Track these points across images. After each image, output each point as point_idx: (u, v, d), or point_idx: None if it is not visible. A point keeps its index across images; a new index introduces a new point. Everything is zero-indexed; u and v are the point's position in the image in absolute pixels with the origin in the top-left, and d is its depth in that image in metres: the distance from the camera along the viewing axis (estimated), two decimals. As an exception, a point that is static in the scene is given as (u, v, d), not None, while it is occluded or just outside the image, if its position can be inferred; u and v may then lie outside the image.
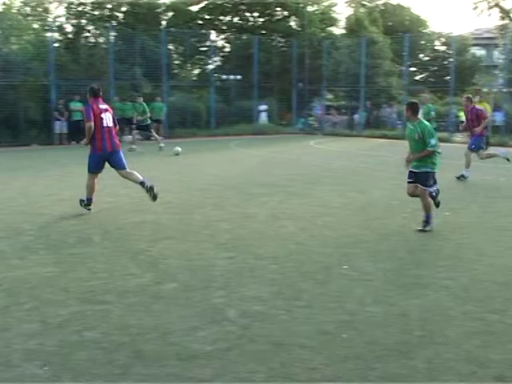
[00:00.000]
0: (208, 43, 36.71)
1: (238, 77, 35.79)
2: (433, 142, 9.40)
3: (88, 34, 35.19)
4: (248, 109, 34.29)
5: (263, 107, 35.18)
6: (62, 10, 36.54)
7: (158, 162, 19.69)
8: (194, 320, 5.57)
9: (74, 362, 4.73)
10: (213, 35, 37.49)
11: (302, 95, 36.65)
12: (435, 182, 9.69)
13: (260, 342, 5.11)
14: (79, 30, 34.54)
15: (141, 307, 5.93)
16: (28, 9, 37.64)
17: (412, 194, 9.75)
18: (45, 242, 8.68)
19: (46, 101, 28.06)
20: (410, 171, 9.68)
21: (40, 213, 10.90)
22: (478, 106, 15.83)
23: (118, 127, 11.43)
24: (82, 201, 10.95)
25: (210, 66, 36.77)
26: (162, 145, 23.63)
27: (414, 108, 9.65)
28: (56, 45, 30.70)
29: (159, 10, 38.27)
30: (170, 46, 35.00)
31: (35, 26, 35.01)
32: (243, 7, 39.69)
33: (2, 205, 11.70)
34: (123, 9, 37.13)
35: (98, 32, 34.24)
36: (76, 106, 27.43)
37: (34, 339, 5.17)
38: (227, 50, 38.62)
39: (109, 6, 36.85)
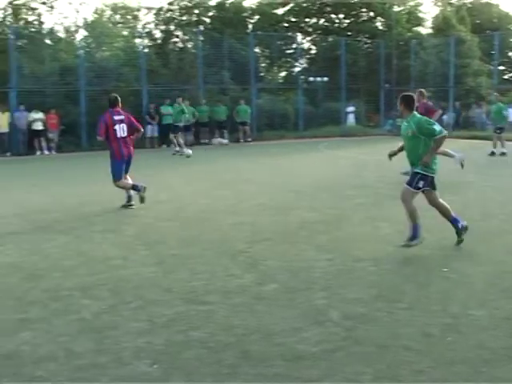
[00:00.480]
0: (294, 46, 36.78)
1: (325, 79, 35.68)
2: (437, 128, 8.15)
3: (176, 40, 35.76)
4: (335, 110, 34.15)
5: (351, 109, 34.96)
6: (150, 17, 37.30)
7: (250, 165, 19.85)
8: (297, 321, 5.58)
9: (182, 361, 4.81)
10: (299, 37, 37.54)
11: (389, 96, 36.24)
12: (428, 187, 8.26)
13: (365, 343, 5.09)
14: (168, 35, 35.13)
15: (244, 308, 5.99)
16: (118, 16, 38.62)
17: (432, 203, 8.49)
18: (145, 242, 8.88)
19: (138, 105, 28.68)
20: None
21: (140, 214, 11.18)
22: (429, 102, 15.48)
23: (138, 133, 12.13)
24: (127, 205, 11.78)
25: (297, 69, 36.81)
26: (190, 151, 22.86)
27: (407, 101, 8.31)
28: (146, 50, 31.33)
29: (245, 14, 38.58)
30: (257, 49, 35.21)
31: (125, 32, 35.85)
32: (328, 9, 39.60)
33: (100, 207, 12.03)
34: (210, 13, 37.60)
35: (186, 37, 34.77)
36: (167, 109, 27.96)
37: (143, 337, 5.28)
38: (313, 52, 38.56)
39: (196, 11, 37.39)
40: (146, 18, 37.77)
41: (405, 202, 8.07)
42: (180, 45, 35.52)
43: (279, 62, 37.75)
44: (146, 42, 33.26)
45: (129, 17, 38.91)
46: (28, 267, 7.67)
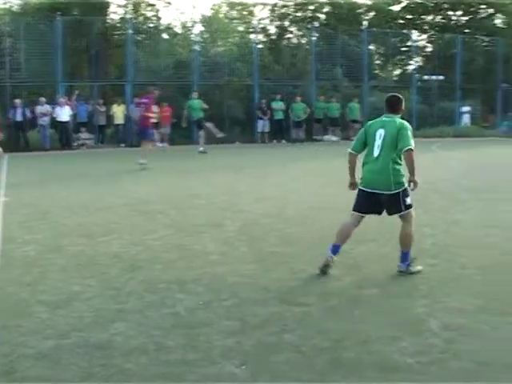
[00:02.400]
0: (409, 43, 36.10)
1: (440, 77, 34.83)
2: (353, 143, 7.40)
3: (290, 35, 35.80)
4: (450, 110, 33.30)
5: (466, 109, 33.99)
6: (266, 13, 37.49)
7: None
8: (394, 329, 5.35)
9: (271, 364, 4.68)
10: (414, 35, 36.80)
11: (506, 96, 35.01)
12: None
13: (464, 358, 4.79)
14: (282, 31, 35.22)
15: (341, 311, 5.82)
16: (234, 12, 39.04)
17: None
18: (246, 239, 8.84)
19: (249, 100, 28.90)
20: None
21: (245, 210, 11.18)
22: None
23: None
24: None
25: (411, 67, 36.15)
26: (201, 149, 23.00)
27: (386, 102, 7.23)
28: (259, 46, 31.49)
29: (360, 11, 38.18)
30: (371, 46, 34.78)
31: (240, 28, 36.20)
32: (446, 6, 38.60)
33: (206, 201, 12.12)
34: (325, 10, 37.44)
35: (300, 33, 34.75)
36: (278, 105, 28.04)
37: (234, 337, 5.19)
38: (429, 49, 37.73)
39: (311, 7, 37.31)
40: (261, 14, 38.02)
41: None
42: (294, 41, 35.55)
43: (393, 59, 37.15)
44: (261, 37, 33.45)
45: (244, 13, 39.28)
46: (129, 258, 7.76)
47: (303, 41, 34.38)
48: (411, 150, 6.84)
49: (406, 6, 39.29)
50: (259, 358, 4.80)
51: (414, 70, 35.78)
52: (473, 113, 34.23)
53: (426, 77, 35.41)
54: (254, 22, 36.35)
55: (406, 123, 7.01)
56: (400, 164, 6.96)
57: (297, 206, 11.52)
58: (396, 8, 39.66)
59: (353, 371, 4.57)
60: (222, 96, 28.99)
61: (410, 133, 6.91)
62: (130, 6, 32.96)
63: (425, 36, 38.55)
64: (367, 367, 4.63)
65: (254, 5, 38.51)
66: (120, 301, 6.15)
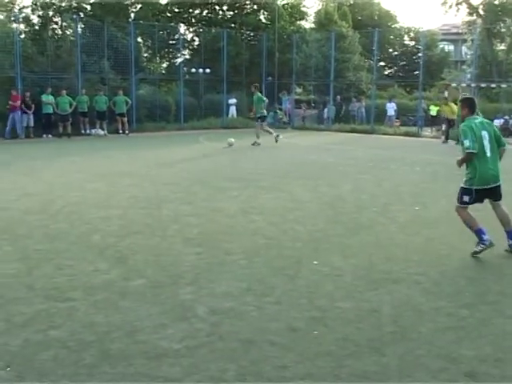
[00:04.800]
0: (177, 36, 36.49)
1: (207, 70, 35.58)
2: (467, 143, 7.56)
3: (55, 26, 34.75)
4: (217, 103, 34.15)
5: (232, 101, 35.04)
6: (28, 1, 36.15)
7: (127, 157, 19.47)
8: (161, 317, 5.45)
9: (38, 362, 4.60)
10: (182, 28, 37.28)
11: (271, 89, 36.53)
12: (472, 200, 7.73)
13: (230, 339, 5.02)
14: (46, 21, 34.06)
15: (108, 304, 5.80)
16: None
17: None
18: (9, 237, 8.49)
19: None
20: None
21: (8, 207, 10.74)
22: None
23: None
24: None
25: (179, 60, 36.58)
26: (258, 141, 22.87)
27: (471, 105, 7.91)
28: (22, 36, 30.27)
29: (127, 2, 37.94)
30: (139, 39, 34.73)
31: (0, 17, 34.54)
32: (212, 0, 39.48)
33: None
34: (91, 0, 36.75)
35: (65, 24, 33.84)
36: (48, 98, 27.11)
37: (-2, 338, 5.03)
38: (196, 43, 38.38)
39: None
40: (23, 2, 36.50)
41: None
42: (59, 32, 34.54)
43: (161, 52, 37.36)
44: (23, 27, 32.15)
45: (5, 0, 37.48)
46: None
47: (68, 32, 33.50)
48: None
49: (173, -1, 39.67)
50: (25, 358, 4.69)
51: (182, 62, 36.22)
52: (239, 105, 35.33)
53: (193, 70, 35.98)
54: (16, 10, 34.84)
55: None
56: None
57: (62, 201, 11.23)
58: (163, 1, 39.90)
59: (121, 361, 4.61)
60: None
61: None
62: None
63: (192, 29, 39.13)
64: (135, 356, 4.69)
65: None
66: None
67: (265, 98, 23.79)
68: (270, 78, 36.78)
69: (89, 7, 36.83)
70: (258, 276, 6.72)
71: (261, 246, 7.99)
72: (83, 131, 28.61)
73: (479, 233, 7.62)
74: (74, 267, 7.00)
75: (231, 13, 40.51)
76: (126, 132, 28.84)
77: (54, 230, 8.86)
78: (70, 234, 8.62)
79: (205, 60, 35.21)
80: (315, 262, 7.27)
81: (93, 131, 28.51)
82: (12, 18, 32.61)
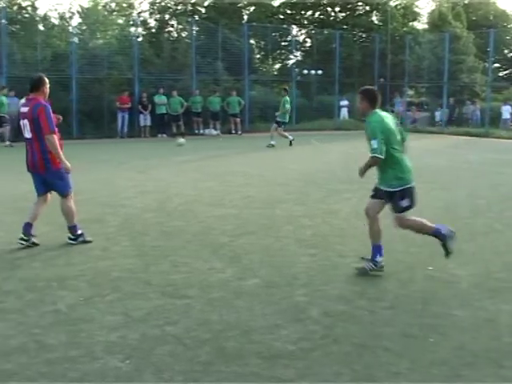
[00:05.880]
0: (289, 38, 36.65)
1: (319, 72, 35.55)
2: (374, 144, 6.66)
3: (171, 29, 35.58)
4: (329, 104, 34.10)
5: (344, 103, 34.86)
6: (146, 5, 37.13)
7: (240, 157, 19.69)
8: (276, 317, 5.47)
9: (155, 357, 4.69)
10: (294, 30, 37.50)
11: (383, 91, 36.11)
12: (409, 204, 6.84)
13: (343, 343, 4.98)
14: (162, 24, 34.96)
15: (223, 303, 5.87)
16: (113, 4, 38.40)
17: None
18: (127, 233, 8.78)
19: (130, 94, 28.52)
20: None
21: (127, 205, 11.08)
22: None
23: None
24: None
25: (291, 61, 36.82)
26: (273, 142, 22.91)
27: (370, 96, 6.97)
28: (140, 39, 31.16)
29: (241, 5, 38.43)
30: (252, 41, 35.08)
31: (120, 21, 35.66)
32: (324, 2, 39.45)
33: (86, 196, 11.91)
34: (206, 3, 37.45)
35: (180, 26, 34.60)
36: (160, 99, 27.86)
37: (117, 332, 5.17)
38: (308, 44, 38.43)
39: (191, 0, 37.22)
40: (141, 7, 37.61)
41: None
42: (174, 34, 35.34)
43: (274, 53, 37.60)
44: (141, 30, 33.09)
45: (124, 5, 38.69)
46: (6, 256, 7.54)
47: (184, 34, 34.24)
48: None
49: (285, 1, 39.84)
50: (143, 352, 4.79)
51: (294, 64, 36.34)
52: (351, 106, 35.10)
53: (305, 71, 36.04)
54: (134, 14, 35.91)
55: None
56: None
57: (177, 199, 11.50)
58: (276, 3, 40.17)
59: (236, 360, 4.64)
60: (102, 90, 28.53)
61: None
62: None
63: (304, 31, 39.20)
64: (250, 356, 4.71)
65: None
66: (-2, 300, 5.98)
67: (288, 106, 23.04)
68: (381, 80, 36.35)
69: (203, 10, 37.54)
70: (371, 280, 6.65)
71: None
72: (196, 131, 29.17)
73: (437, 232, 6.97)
74: (189, 265, 7.14)
75: (343, 14, 40.34)
76: (239, 132, 29.21)
77: (169, 228, 9.06)
78: (186, 232, 8.80)
79: (317, 61, 35.20)
80: (430, 268, 7.12)
81: (206, 131, 29.02)
82: (130, 22, 33.65)
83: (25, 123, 7.82)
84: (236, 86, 30.53)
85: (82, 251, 7.79)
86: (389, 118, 6.94)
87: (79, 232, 8.17)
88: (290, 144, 22.82)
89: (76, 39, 29.74)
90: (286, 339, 5.01)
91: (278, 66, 39.53)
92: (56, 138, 7.79)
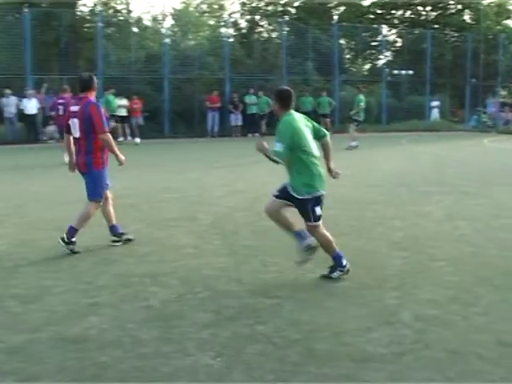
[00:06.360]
0: (379, 38, 36.31)
1: (410, 72, 35.10)
2: (277, 147, 6.33)
3: (261, 30, 35.81)
4: (419, 105, 33.60)
5: (435, 103, 34.29)
6: (236, 7, 37.50)
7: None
8: (367, 320, 5.42)
9: (245, 356, 4.72)
10: (384, 29, 37.07)
11: (475, 91, 35.36)
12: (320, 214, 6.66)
13: (435, 348, 4.87)
14: (253, 25, 35.22)
15: (313, 303, 5.86)
16: (204, 6, 38.95)
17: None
18: (218, 232, 8.89)
19: (221, 94, 28.86)
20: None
21: (217, 204, 11.22)
22: None
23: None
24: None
25: (382, 61, 36.41)
26: (354, 143, 22.50)
27: (281, 97, 6.65)
28: (230, 40, 31.49)
29: (331, 5, 38.32)
30: (342, 41, 34.96)
31: (211, 22, 36.15)
32: (415, 1, 38.89)
33: (178, 194, 12.12)
34: (296, 4, 37.51)
35: (271, 27, 34.78)
36: (251, 99, 28.10)
37: (208, 329, 5.23)
38: (399, 44, 37.99)
39: (282, 1, 37.35)
40: (232, 8, 38.01)
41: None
42: (265, 35, 35.57)
43: (364, 54, 37.33)
44: (231, 31, 33.43)
45: (215, 6, 39.19)
46: (101, 251, 7.74)
47: (274, 35, 34.41)
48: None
49: (376, 1, 39.50)
50: (234, 350, 4.83)
51: (384, 64, 35.99)
52: (442, 107, 34.53)
53: (395, 71, 35.65)
54: (225, 15, 36.30)
55: None
56: None
57: (267, 199, 11.47)
58: (366, 3, 39.88)
59: (326, 362, 4.61)
60: (194, 90, 28.99)
61: None
62: (100, -1, 32.74)
63: (395, 31, 38.77)
64: (340, 358, 4.68)
65: (225, -2, 38.57)
66: (93, 295, 6.14)
67: (362, 104, 22.47)
68: (473, 80, 35.59)
69: (294, 10, 37.60)
70: (463, 284, 6.49)
71: (466, 254, 7.71)
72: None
73: (338, 258, 6.68)
74: (279, 264, 7.16)
75: (434, 13, 39.66)
76: (329, 132, 29.11)
77: (259, 228, 9.10)
78: (276, 232, 8.78)
79: (407, 61, 34.76)
80: (526, 273, 6.92)
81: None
82: (221, 23, 34.07)
83: (74, 122, 7.77)
84: (326, 87, 30.47)
85: (174, 249, 7.93)
86: (300, 121, 6.61)
87: (73, 239, 7.73)
88: (351, 148, 22.07)
89: (168, 40, 30.32)
90: (376, 342, 4.96)
91: (367, 66, 39.21)
92: (110, 135, 7.77)
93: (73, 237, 7.74)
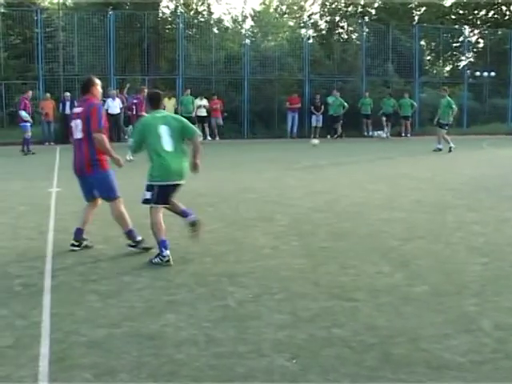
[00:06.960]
0: (461, 39, 35.69)
1: (492, 73, 34.33)
2: (129, 142, 7.71)
3: (341, 31, 35.69)
4: (502, 107, 32.91)
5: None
6: (316, 7, 37.46)
7: (409, 159, 19.42)
8: (445, 327, 5.32)
9: (321, 358, 4.69)
10: (466, 30, 36.43)
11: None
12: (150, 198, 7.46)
13: (516, 358, 4.77)
14: (333, 26, 35.11)
15: (390, 308, 5.79)
16: (284, 7, 39.06)
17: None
18: (296, 233, 8.89)
19: (300, 95, 28.89)
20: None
21: (296, 204, 11.22)
22: None
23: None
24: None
25: (463, 63, 35.78)
26: (440, 146, 22.31)
27: (148, 98, 8.23)
28: (310, 41, 31.48)
29: (411, 6, 37.87)
30: (422, 42, 34.48)
31: (290, 23, 36.22)
32: (499, 1, 38.01)
33: (256, 194, 12.18)
34: (376, 4, 37.25)
35: (351, 28, 34.62)
36: (332, 100, 28.11)
37: (284, 330, 5.23)
38: (481, 45, 37.21)
39: (362, 2, 37.18)
40: (312, 9, 37.96)
41: None
42: (344, 36, 35.41)
43: (444, 55, 36.70)
44: (311, 32, 33.40)
45: (295, 7, 39.24)
46: (179, 250, 7.84)
47: (354, 36, 34.22)
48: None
49: (457, 1, 38.79)
50: (310, 352, 4.82)
51: (466, 66, 35.32)
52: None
53: (477, 73, 34.92)
54: (305, 16, 36.30)
55: None
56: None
57: (346, 200, 11.51)
58: (447, 3, 39.23)
59: (402, 368, 4.55)
60: (273, 91, 29.09)
61: None
62: (182, 1, 33.22)
63: (477, 31, 37.99)
64: (417, 364, 4.61)
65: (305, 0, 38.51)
66: (170, 292, 6.24)
67: (454, 106, 22.08)
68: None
69: (373, 11, 37.32)
70: (548, 293, 6.32)
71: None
72: (366, 133, 29.07)
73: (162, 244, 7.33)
74: (357, 267, 7.12)
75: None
76: (408, 135, 28.78)
77: (338, 229, 9.08)
78: (354, 234, 8.78)
79: (489, 63, 34.01)
80: None
81: (375, 133, 28.84)
82: (301, 24, 34.09)
83: (77, 123, 7.80)
84: (406, 88, 30.10)
85: (252, 249, 7.98)
86: (154, 120, 7.53)
87: (139, 238, 7.90)
88: (450, 150, 21.76)
89: (248, 41, 30.51)
90: (454, 350, 4.87)
91: (448, 67, 38.54)
92: (104, 135, 7.73)
93: (135, 237, 7.92)
